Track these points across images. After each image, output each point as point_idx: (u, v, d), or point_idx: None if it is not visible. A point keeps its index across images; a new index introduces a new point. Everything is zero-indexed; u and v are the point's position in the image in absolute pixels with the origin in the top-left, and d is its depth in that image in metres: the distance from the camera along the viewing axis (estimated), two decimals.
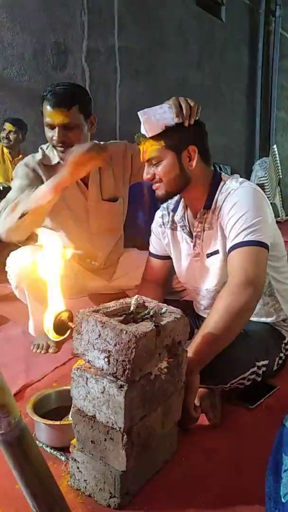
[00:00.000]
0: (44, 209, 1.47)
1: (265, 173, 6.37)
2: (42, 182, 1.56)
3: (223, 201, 1.27)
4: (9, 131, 3.25)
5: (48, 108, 1.50)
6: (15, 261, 1.60)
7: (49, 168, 1.62)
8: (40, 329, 1.73)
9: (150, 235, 1.61)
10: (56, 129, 1.51)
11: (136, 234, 2.28)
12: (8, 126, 3.25)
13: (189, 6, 5.77)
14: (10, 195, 1.56)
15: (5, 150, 3.32)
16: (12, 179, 3.34)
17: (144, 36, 5.06)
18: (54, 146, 1.57)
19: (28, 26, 3.80)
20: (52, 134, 1.53)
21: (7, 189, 3.08)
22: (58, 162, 1.61)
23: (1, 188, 3.00)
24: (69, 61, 4.22)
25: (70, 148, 1.51)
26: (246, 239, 1.18)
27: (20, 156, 3.36)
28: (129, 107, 4.80)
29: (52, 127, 1.52)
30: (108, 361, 0.85)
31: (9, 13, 3.64)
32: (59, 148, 1.56)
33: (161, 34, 5.32)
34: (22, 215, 1.42)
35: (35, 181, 1.58)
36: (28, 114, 3.67)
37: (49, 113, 1.50)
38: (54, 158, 1.63)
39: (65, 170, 1.42)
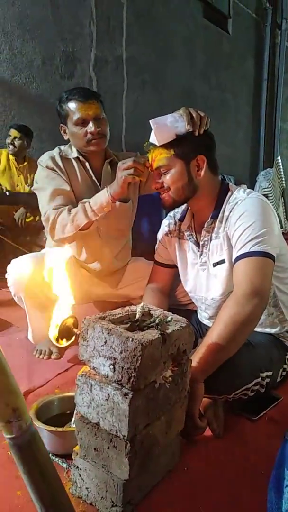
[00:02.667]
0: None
1: (269, 184, 6.39)
2: (66, 175, 1.66)
3: (230, 211, 1.28)
4: (14, 137, 3.26)
5: (79, 104, 1.57)
6: (14, 270, 1.62)
7: (67, 161, 1.69)
8: (39, 337, 1.74)
9: (154, 244, 1.62)
10: (91, 122, 1.57)
11: (140, 243, 2.28)
12: (13, 132, 3.26)
13: (196, 19, 5.85)
14: (53, 201, 1.61)
15: (11, 157, 3.33)
16: (17, 185, 3.36)
17: (152, 47, 5.12)
18: (88, 142, 1.60)
19: (38, 34, 3.86)
20: (85, 130, 1.58)
21: (13, 195, 3.11)
22: (77, 157, 1.69)
23: (7, 194, 3.02)
24: (77, 70, 4.28)
25: (105, 139, 1.62)
26: (252, 249, 1.18)
27: (26, 163, 3.37)
28: (135, 117, 4.85)
29: (85, 121, 1.58)
30: (114, 368, 0.85)
31: (19, 22, 3.70)
32: (94, 142, 1.60)
33: (168, 45, 5.39)
34: (87, 227, 1.59)
35: (63, 180, 1.65)
36: (35, 121, 3.71)
37: (81, 108, 1.57)
38: (72, 153, 1.70)
39: (116, 184, 1.48)
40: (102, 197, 1.53)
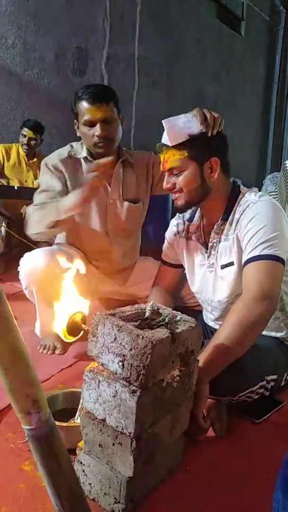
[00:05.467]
0: (69, 221, 1.60)
1: (276, 188, 6.35)
2: (64, 177, 1.66)
3: (241, 214, 1.27)
4: (30, 138, 3.27)
5: (87, 105, 1.56)
6: (27, 263, 1.63)
7: (75, 161, 1.69)
8: (46, 331, 1.75)
9: (159, 244, 1.62)
10: (98, 125, 1.56)
11: (145, 243, 2.28)
12: (28, 132, 3.26)
13: (209, 20, 5.84)
14: (37, 197, 1.64)
15: (21, 152, 3.35)
16: (26, 181, 3.38)
17: (164, 46, 5.12)
18: (95, 144, 1.61)
19: (51, 30, 3.86)
20: (93, 132, 1.58)
21: (22, 189, 3.12)
22: (86, 157, 1.68)
23: (16, 188, 3.03)
24: (89, 66, 4.29)
25: (112, 143, 1.61)
26: (263, 253, 1.18)
27: (35, 159, 3.38)
28: (145, 116, 4.85)
29: (93, 123, 1.57)
30: (123, 365, 0.85)
31: (33, 16, 3.71)
32: (100, 145, 1.60)
33: (181, 45, 5.38)
34: (52, 226, 1.54)
35: (58, 181, 1.65)
36: (46, 117, 3.72)
37: (89, 110, 1.55)
38: (81, 152, 1.70)
39: (85, 190, 1.47)
40: (72, 198, 1.51)
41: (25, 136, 3.26)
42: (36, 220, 1.57)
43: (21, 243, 2.82)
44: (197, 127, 1.23)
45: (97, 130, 1.57)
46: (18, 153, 3.34)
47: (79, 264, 1.07)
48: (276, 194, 6.47)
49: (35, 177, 3.38)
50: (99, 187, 1.51)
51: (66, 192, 1.66)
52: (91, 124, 1.57)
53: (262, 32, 7.15)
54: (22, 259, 1.65)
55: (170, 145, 1.25)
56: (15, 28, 3.61)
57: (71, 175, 1.68)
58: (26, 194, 3.20)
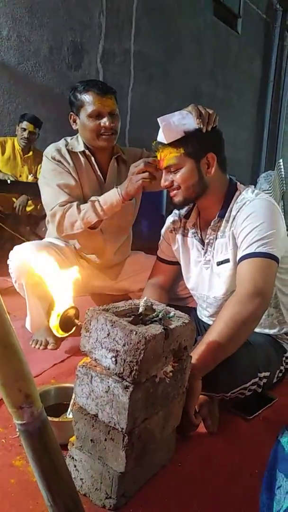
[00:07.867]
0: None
1: (270, 186, 6.39)
2: (69, 170, 1.64)
3: (238, 211, 1.27)
4: (30, 132, 3.24)
5: (97, 96, 1.56)
6: (17, 256, 1.62)
7: (72, 155, 1.68)
8: (37, 326, 1.74)
9: (152, 240, 1.61)
10: (106, 116, 1.57)
11: (139, 239, 2.28)
12: (29, 126, 3.22)
13: (206, 16, 5.82)
14: (59, 196, 1.60)
15: (17, 146, 3.31)
16: (20, 175, 3.34)
17: (160, 42, 5.10)
18: (99, 136, 1.60)
19: (47, 22, 3.82)
20: (98, 123, 1.58)
21: (15, 183, 3.10)
22: (83, 151, 1.67)
23: (9, 182, 3.00)
24: (84, 60, 4.25)
25: (116, 136, 1.62)
26: (258, 250, 1.18)
27: (31, 153, 3.35)
28: (140, 112, 4.83)
29: (100, 115, 1.57)
30: (116, 360, 0.84)
31: (28, 8, 3.66)
32: (105, 137, 1.60)
33: (177, 41, 5.36)
34: (93, 226, 1.59)
35: (68, 175, 1.64)
36: (40, 110, 3.68)
37: (99, 101, 1.56)
38: (79, 146, 1.68)
39: (130, 186, 1.46)
40: (113, 197, 1.53)
41: (25, 130, 3.22)
42: (75, 220, 1.57)
43: (14, 237, 2.80)
44: (192, 124, 1.23)
45: (104, 121, 1.57)
46: (13, 147, 3.30)
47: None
48: (270, 193, 6.51)
49: (30, 172, 3.34)
50: (141, 188, 1.49)
51: (79, 184, 1.65)
52: (98, 115, 1.57)
53: (259, 30, 7.15)
54: (11, 252, 1.64)
55: (166, 143, 1.24)
56: (10, 20, 3.57)
57: (73, 168, 1.67)
58: (20, 189, 3.19)
